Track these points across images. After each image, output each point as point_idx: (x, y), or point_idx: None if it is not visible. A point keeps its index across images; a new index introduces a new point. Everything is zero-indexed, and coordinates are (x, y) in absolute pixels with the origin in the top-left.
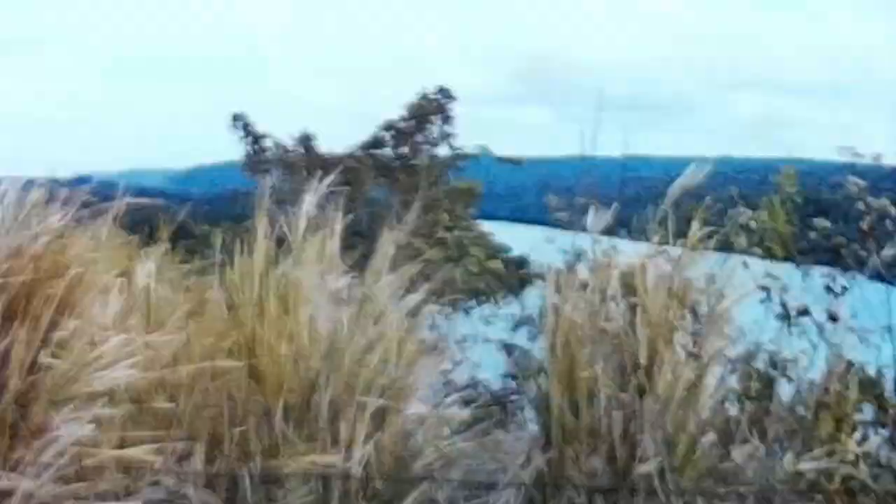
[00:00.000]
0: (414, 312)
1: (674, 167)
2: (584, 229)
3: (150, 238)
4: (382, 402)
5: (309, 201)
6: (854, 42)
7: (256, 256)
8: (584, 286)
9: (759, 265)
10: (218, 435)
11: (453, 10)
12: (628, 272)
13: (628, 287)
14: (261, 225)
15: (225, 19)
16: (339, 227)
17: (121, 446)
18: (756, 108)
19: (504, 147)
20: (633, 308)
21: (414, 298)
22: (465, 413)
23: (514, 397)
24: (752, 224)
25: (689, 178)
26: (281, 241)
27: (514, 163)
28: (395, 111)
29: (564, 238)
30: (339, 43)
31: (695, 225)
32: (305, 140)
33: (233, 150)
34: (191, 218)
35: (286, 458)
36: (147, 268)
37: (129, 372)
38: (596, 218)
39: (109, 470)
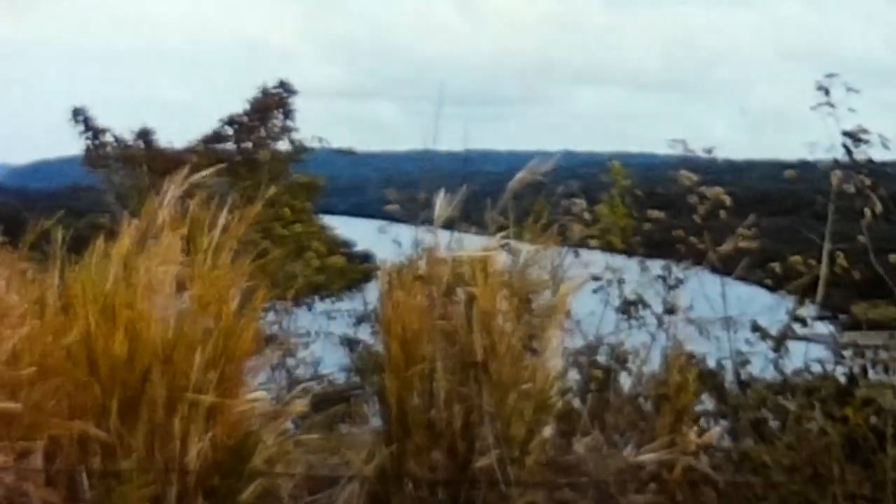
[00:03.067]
0: (251, 307)
1: (517, 161)
2: (424, 223)
3: None
4: (213, 398)
5: (173, 195)
6: (699, 38)
7: (96, 252)
8: (421, 279)
9: (598, 258)
10: (57, 432)
11: (299, 4)
12: (467, 265)
13: (466, 280)
14: (101, 220)
15: (68, 12)
16: (178, 221)
17: None
18: (601, 102)
19: (348, 141)
20: (471, 301)
21: (251, 292)
22: (304, 406)
23: (356, 392)
24: (587, 216)
25: (528, 172)
26: (121, 236)
27: (350, 154)
28: (238, 104)
29: (402, 231)
30: (181, 35)
31: (533, 218)
32: (145, 134)
33: (76, 144)
34: (30, 213)
35: (123, 454)
36: None
37: None
38: (436, 211)
39: None
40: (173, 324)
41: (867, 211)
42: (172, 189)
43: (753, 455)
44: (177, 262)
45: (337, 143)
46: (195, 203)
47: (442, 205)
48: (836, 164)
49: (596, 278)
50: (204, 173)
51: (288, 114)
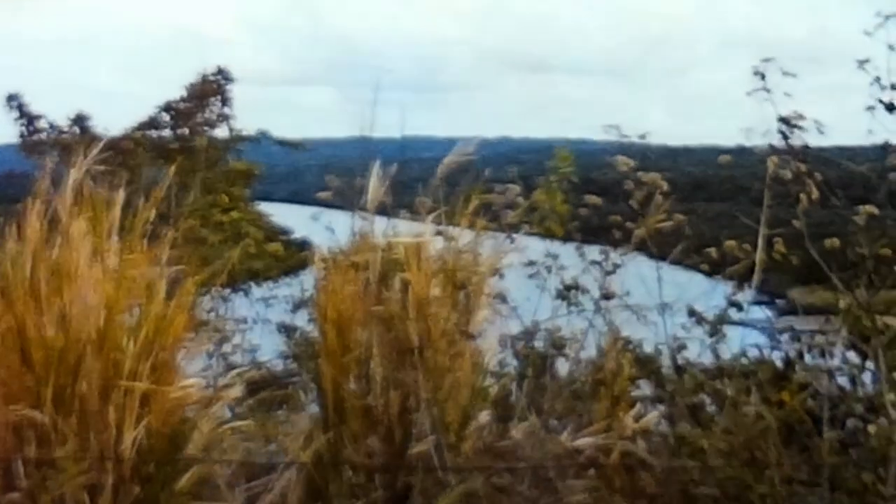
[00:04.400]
0: (186, 292)
1: (455, 147)
2: (361, 209)
3: None
4: (147, 385)
5: (75, 178)
6: (637, 25)
7: (29, 238)
8: (355, 265)
9: (537, 244)
10: None
11: None
12: (402, 251)
13: (401, 266)
14: (33, 206)
15: None
16: (113, 206)
17: None
18: (539, 89)
19: (286, 128)
20: (405, 288)
21: (186, 278)
22: (239, 393)
23: (293, 379)
24: (521, 201)
25: (457, 155)
26: (55, 223)
27: (294, 146)
28: (175, 92)
29: (338, 218)
30: (117, 24)
31: (467, 203)
32: (80, 121)
33: (11, 131)
34: None
35: (58, 443)
36: None
37: None
38: (373, 198)
39: None
40: (105, 310)
41: (803, 196)
42: (73, 173)
43: (690, 440)
44: (86, 247)
45: (275, 130)
46: (99, 187)
47: (373, 188)
48: (772, 149)
49: (531, 263)
50: (93, 153)
51: (226, 101)
